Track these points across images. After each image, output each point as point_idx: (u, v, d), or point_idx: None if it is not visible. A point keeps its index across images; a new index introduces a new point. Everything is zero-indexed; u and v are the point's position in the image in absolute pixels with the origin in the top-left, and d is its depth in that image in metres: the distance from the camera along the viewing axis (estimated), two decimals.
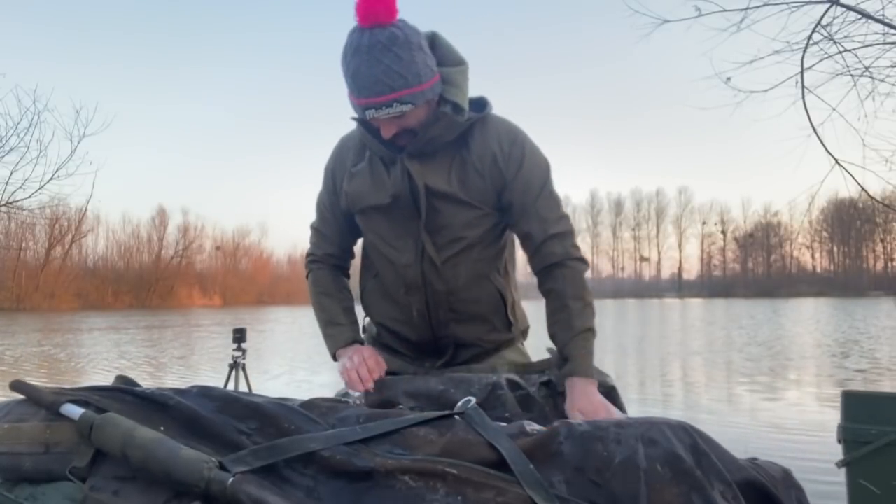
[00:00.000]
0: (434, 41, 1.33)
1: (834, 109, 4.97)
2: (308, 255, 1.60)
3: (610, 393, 1.43)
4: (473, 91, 1.39)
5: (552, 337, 1.40)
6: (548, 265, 1.41)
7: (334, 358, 1.46)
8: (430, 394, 1.44)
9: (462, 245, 1.41)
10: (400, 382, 1.49)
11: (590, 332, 1.36)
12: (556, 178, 1.44)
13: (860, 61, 4.85)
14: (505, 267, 1.52)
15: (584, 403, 1.27)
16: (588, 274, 1.42)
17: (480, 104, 1.41)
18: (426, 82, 1.28)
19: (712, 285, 79.79)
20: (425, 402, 1.42)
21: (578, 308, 1.36)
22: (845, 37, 4.78)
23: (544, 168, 1.43)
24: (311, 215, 1.59)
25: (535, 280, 1.48)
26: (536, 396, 1.43)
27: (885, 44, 4.74)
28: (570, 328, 1.34)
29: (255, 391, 1.46)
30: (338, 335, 1.46)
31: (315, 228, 1.58)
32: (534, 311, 1.63)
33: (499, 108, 1.43)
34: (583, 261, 1.42)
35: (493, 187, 1.38)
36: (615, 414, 1.26)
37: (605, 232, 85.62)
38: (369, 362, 1.37)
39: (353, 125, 1.44)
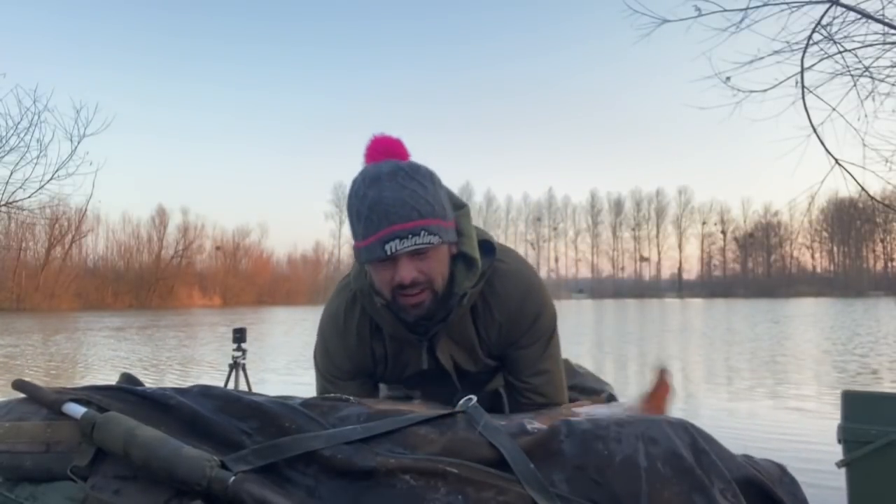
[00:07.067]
0: None
1: (834, 109, 4.97)
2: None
3: (610, 403, 1.46)
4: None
5: None
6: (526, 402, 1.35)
7: None
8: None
9: (489, 378, 1.43)
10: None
11: None
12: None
13: (860, 61, 4.84)
14: None
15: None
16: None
17: (485, 248, 1.27)
18: (450, 220, 1.18)
19: (712, 285, 79.78)
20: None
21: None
22: (845, 37, 4.78)
23: (550, 328, 1.33)
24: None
25: None
26: None
27: (885, 44, 4.73)
28: None
29: (254, 390, 1.47)
30: None
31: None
32: None
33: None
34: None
35: (501, 347, 1.33)
36: None
37: (605, 232, 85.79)
38: None
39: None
